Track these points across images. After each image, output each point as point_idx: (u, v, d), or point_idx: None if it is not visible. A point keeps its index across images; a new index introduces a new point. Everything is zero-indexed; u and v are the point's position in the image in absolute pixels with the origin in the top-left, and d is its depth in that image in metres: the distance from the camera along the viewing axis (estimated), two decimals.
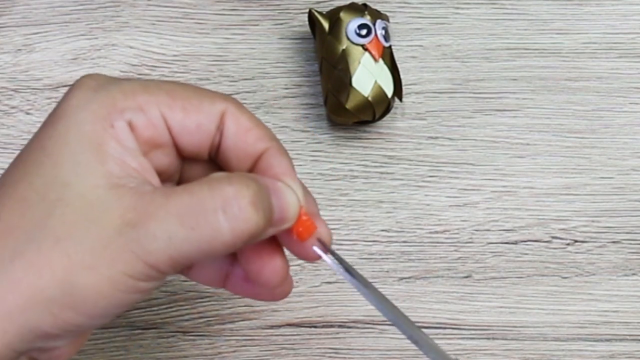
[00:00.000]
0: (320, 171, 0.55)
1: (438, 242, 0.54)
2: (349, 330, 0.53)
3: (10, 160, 0.35)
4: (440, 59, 0.57)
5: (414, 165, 0.55)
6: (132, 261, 0.32)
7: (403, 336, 0.38)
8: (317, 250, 0.37)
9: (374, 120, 0.53)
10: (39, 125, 0.36)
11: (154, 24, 0.56)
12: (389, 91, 0.52)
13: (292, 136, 0.55)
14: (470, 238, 0.54)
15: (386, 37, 0.53)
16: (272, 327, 0.52)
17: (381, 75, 0.52)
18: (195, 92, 0.36)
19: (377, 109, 0.52)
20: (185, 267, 0.37)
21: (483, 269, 0.54)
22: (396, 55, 0.54)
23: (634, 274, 0.54)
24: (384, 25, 0.53)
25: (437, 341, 0.51)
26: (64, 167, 0.33)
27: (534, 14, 0.57)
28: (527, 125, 0.56)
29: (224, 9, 0.57)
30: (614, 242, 0.54)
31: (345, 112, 0.52)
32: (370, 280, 0.53)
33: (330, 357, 0.52)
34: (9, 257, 0.32)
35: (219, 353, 0.52)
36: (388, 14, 0.55)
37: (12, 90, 0.55)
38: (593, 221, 0.54)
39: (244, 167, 0.37)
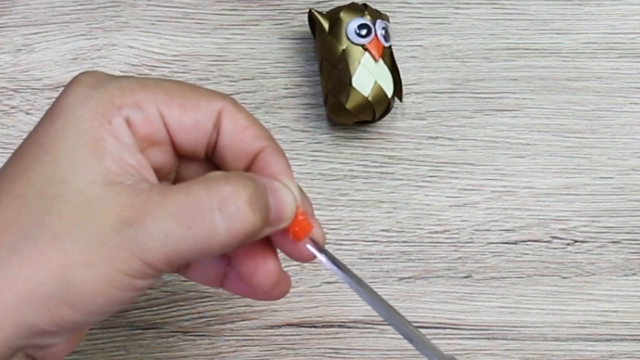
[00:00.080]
0: (320, 171, 0.55)
1: (438, 242, 0.54)
2: (349, 330, 0.53)
3: None
4: (440, 59, 0.57)
5: (414, 165, 0.55)
6: (128, 259, 0.32)
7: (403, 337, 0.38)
8: (310, 247, 0.37)
9: (374, 120, 0.53)
10: None
11: (154, 24, 0.56)
12: (389, 91, 0.52)
13: (292, 136, 0.55)
14: (470, 238, 0.54)
15: (386, 37, 0.53)
16: (272, 327, 0.52)
17: (381, 75, 0.52)
18: (192, 90, 0.36)
19: (377, 109, 0.52)
20: (182, 266, 0.37)
21: (483, 269, 0.53)
22: (396, 55, 0.54)
23: (634, 274, 0.54)
24: (384, 25, 0.53)
25: (437, 341, 0.51)
26: (62, 163, 0.33)
27: (534, 14, 0.57)
28: (527, 125, 0.56)
29: (224, 9, 0.57)
30: (614, 242, 0.54)
31: (345, 112, 0.52)
32: (370, 280, 0.53)
33: (330, 357, 0.52)
34: (6, 253, 0.32)
35: (219, 353, 0.52)
36: (388, 14, 0.55)
37: (12, 90, 0.55)
38: (593, 221, 0.54)
39: (240, 166, 0.37)
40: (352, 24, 0.52)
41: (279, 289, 0.39)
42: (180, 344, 0.52)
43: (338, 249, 0.53)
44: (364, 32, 0.52)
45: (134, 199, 0.33)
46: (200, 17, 0.57)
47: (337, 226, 0.54)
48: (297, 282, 0.53)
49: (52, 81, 0.55)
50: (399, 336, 0.37)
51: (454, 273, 0.53)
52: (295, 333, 0.52)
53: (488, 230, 0.54)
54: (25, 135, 0.36)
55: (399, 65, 0.54)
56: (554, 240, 0.54)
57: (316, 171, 0.55)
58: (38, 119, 0.35)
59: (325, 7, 0.55)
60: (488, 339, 0.53)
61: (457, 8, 0.57)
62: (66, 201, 0.33)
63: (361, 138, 0.55)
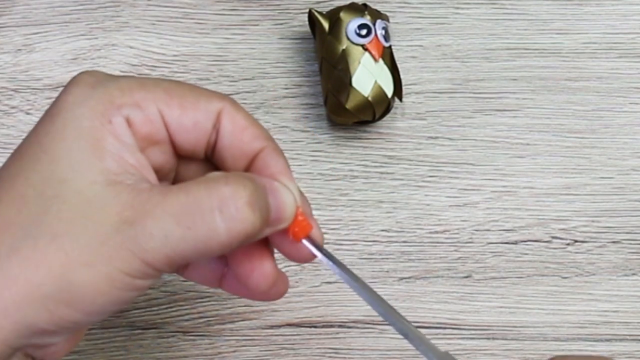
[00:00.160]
0: (320, 171, 0.55)
1: (438, 242, 0.54)
2: (349, 330, 0.53)
3: None
4: (440, 59, 0.57)
5: (414, 165, 0.55)
6: (129, 259, 0.32)
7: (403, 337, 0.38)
8: (308, 244, 0.37)
9: (374, 120, 0.53)
10: None
11: (154, 24, 0.56)
12: (389, 91, 0.52)
13: (292, 136, 0.55)
14: (470, 238, 0.54)
15: (386, 37, 0.53)
16: (272, 327, 0.52)
17: (381, 75, 0.52)
18: (192, 90, 0.36)
19: (377, 109, 0.52)
20: (182, 266, 0.37)
21: (483, 269, 0.53)
22: (396, 55, 0.54)
23: (634, 274, 0.54)
24: (384, 25, 0.53)
25: (437, 341, 0.51)
26: (61, 163, 0.33)
27: (534, 14, 0.57)
28: (527, 125, 0.56)
29: (224, 9, 0.57)
30: (614, 242, 0.54)
31: (345, 112, 0.52)
32: (370, 280, 0.53)
33: (330, 357, 0.52)
34: (6, 253, 0.32)
35: (219, 353, 0.52)
36: (388, 14, 0.55)
37: (12, 90, 0.55)
38: (593, 221, 0.54)
39: (239, 167, 0.37)
40: (352, 24, 0.52)
41: (276, 289, 0.38)
42: (180, 344, 0.52)
43: (338, 249, 0.53)
44: (364, 32, 0.52)
45: (134, 199, 0.33)
46: (200, 17, 0.57)
47: (337, 226, 0.54)
48: (297, 282, 0.53)
49: (52, 81, 0.55)
50: (399, 336, 0.37)
51: (454, 273, 0.53)
52: (295, 333, 0.52)
53: (488, 230, 0.54)
54: (25, 135, 0.36)
55: (399, 65, 0.54)
56: (554, 240, 0.54)
57: (316, 171, 0.55)
58: (38, 119, 0.35)
59: (325, 7, 0.55)
60: (488, 339, 0.53)
61: (457, 8, 0.57)
62: (66, 201, 0.33)
63: (361, 138, 0.55)
